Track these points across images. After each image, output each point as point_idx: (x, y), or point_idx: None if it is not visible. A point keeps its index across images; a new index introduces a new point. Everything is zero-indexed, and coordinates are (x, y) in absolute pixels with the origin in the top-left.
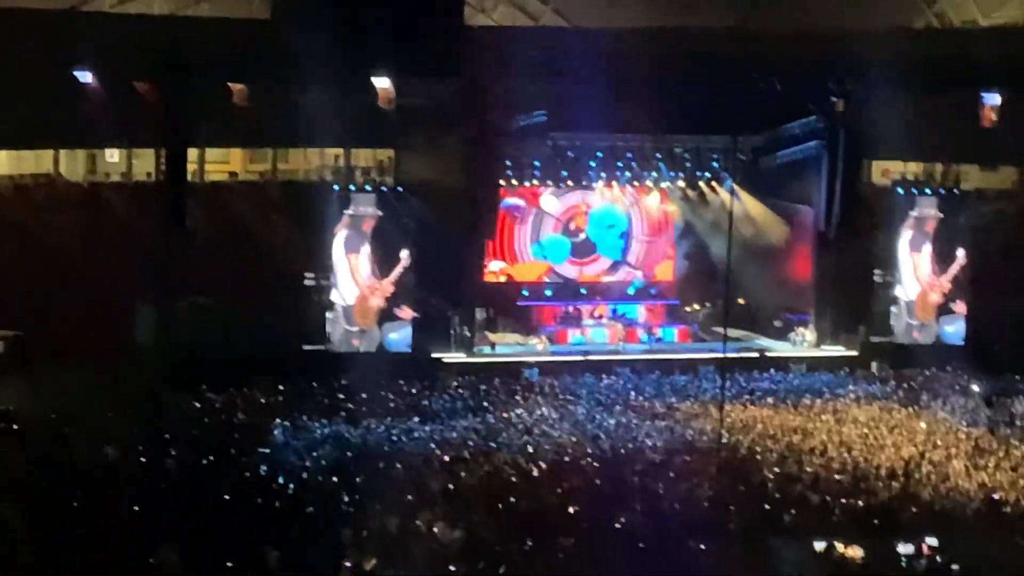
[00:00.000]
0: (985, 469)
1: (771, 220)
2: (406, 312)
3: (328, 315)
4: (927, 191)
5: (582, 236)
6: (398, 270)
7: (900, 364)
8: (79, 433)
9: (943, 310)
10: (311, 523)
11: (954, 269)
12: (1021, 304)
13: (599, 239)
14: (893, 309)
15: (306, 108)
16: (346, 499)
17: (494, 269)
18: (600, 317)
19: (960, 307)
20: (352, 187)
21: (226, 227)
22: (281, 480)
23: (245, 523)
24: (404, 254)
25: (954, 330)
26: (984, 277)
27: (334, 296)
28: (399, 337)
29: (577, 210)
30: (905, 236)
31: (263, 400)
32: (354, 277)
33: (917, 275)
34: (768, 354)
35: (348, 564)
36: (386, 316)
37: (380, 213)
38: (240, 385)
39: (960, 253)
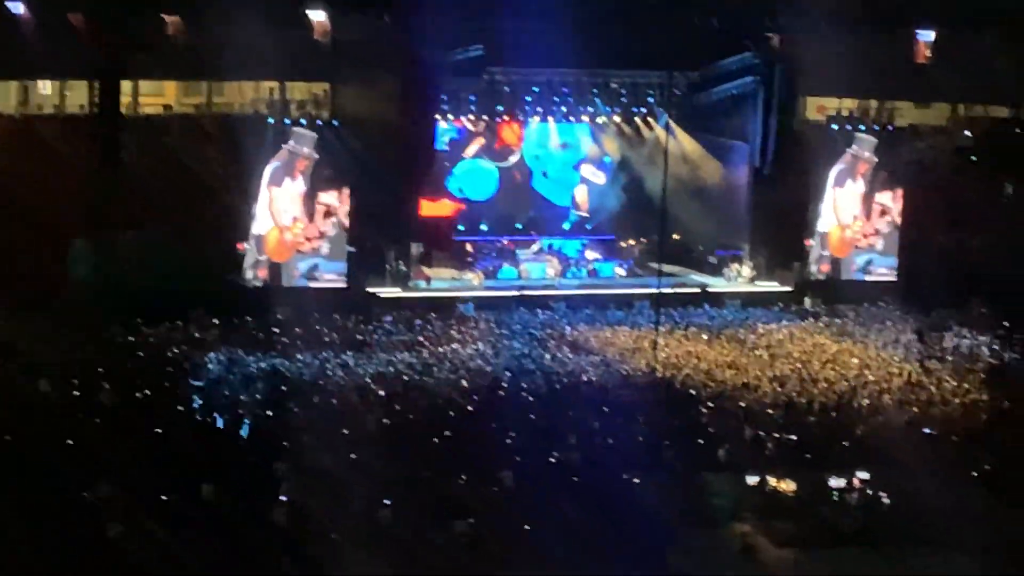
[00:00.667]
0: (916, 403)
1: (704, 157)
2: (330, 244)
3: (247, 247)
4: (862, 128)
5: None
6: (325, 208)
7: (834, 300)
8: (12, 367)
9: (872, 247)
10: (246, 457)
11: (884, 206)
12: (953, 239)
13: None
14: (811, 243)
15: (241, 41)
16: (281, 433)
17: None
18: (538, 252)
19: (889, 244)
20: (287, 121)
21: (161, 160)
22: (215, 414)
23: (180, 457)
24: (336, 195)
25: (882, 266)
26: (917, 213)
27: (253, 228)
28: (324, 270)
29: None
30: (834, 171)
31: (197, 334)
32: (271, 210)
33: (836, 210)
34: (705, 290)
35: (283, 498)
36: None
37: (316, 156)
38: (175, 319)
39: (889, 191)
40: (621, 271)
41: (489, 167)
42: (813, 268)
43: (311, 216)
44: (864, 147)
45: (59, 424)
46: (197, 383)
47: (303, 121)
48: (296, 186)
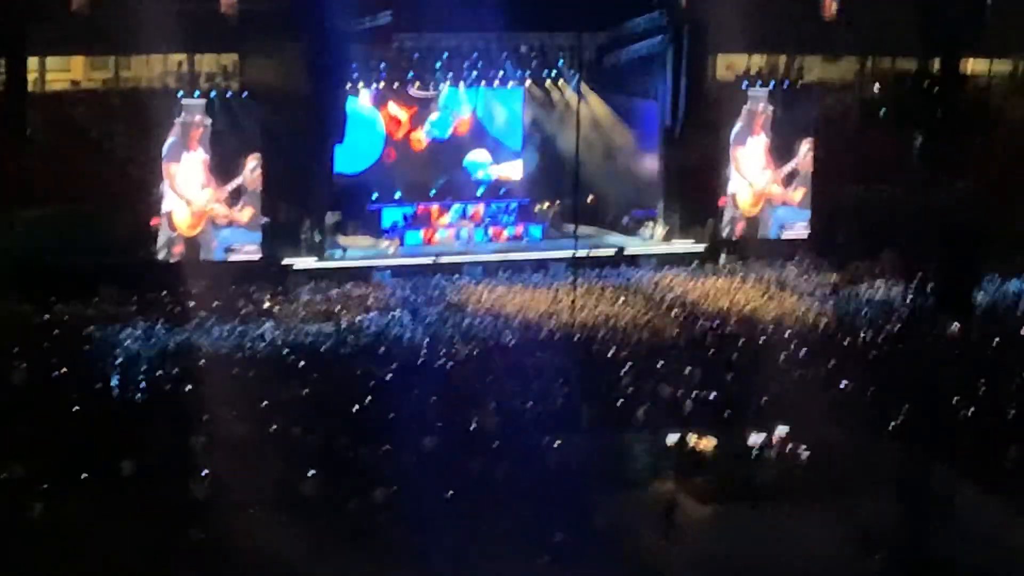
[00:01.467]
0: (832, 357)
1: (616, 118)
2: (243, 217)
3: (156, 223)
4: (771, 84)
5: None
6: (235, 181)
7: (747, 257)
8: None
9: (785, 203)
10: (165, 433)
11: (792, 162)
12: (862, 194)
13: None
14: (725, 200)
15: (147, 14)
16: (198, 408)
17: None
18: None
19: (801, 200)
20: (196, 94)
21: (68, 136)
22: (132, 390)
23: (98, 435)
24: (246, 164)
25: (794, 222)
26: (828, 168)
27: (165, 204)
28: (235, 242)
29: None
30: (733, 130)
31: (109, 310)
32: (172, 185)
33: (740, 168)
34: (621, 251)
35: (203, 473)
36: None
37: (209, 120)
38: (86, 295)
39: (798, 146)
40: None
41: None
42: (727, 228)
43: (219, 185)
44: (758, 102)
45: None
46: (113, 360)
47: (197, 94)
48: (196, 156)
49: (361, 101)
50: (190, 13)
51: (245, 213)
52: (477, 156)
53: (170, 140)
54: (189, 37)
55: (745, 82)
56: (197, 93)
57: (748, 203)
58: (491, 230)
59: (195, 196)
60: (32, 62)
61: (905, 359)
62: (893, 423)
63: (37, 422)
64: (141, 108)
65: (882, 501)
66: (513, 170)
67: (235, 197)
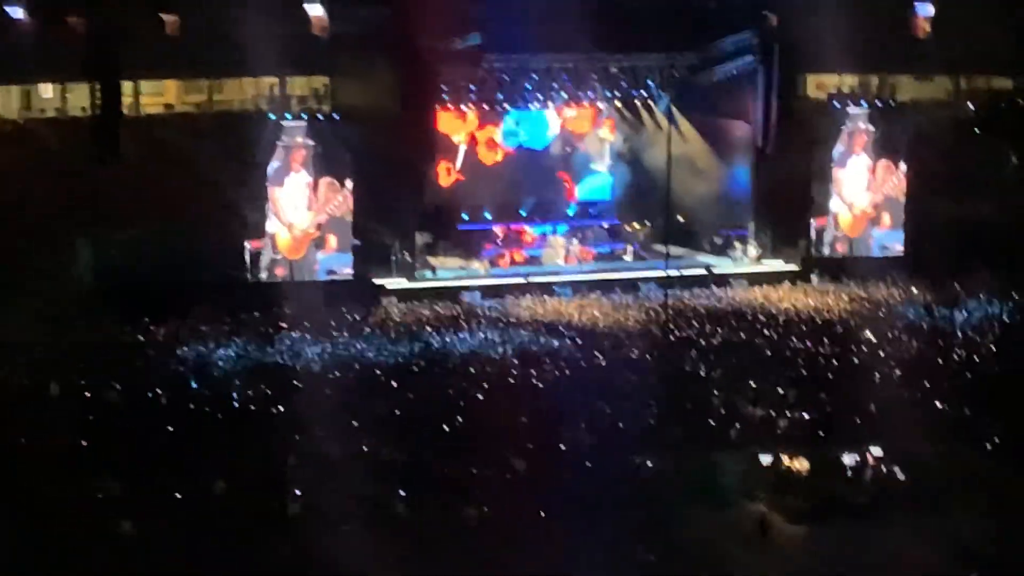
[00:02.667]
0: (927, 375)
1: (706, 138)
2: (339, 240)
3: (258, 246)
4: (863, 103)
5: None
6: (330, 204)
7: (840, 277)
8: (20, 367)
9: (879, 223)
10: (257, 451)
11: (888, 182)
12: (957, 213)
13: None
14: (825, 221)
15: (240, 37)
16: (290, 426)
17: None
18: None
19: (895, 219)
20: (288, 116)
21: (163, 159)
22: (224, 409)
23: (191, 453)
24: (338, 185)
25: (889, 241)
26: (921, 187)
27: (267, 227)
28: (332, 264)
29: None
30: (835, 152)
31: (204, 330)
32: (275, 209)
33: (840, 190)
34: (711, 270)
35: (297, 492)
36: (321, 245)
37: (311, 143)
38: (181, 316)
39: (894, 165)
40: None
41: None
42: (826, 248)
43: (319, 208)
44: (858, 122)
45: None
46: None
47: (304, 116)
48: (299, 179)
49: (452, 121)
50: (282, 36)
51: (339, 238)
52: (567, 176)
53: (273, 164)
54: (281, 59)
55: (836, 101)
56: (289, 116)
57: (848, 223)
58: (581, 250)
59: (298, 219)
60: (126, 86)
61: (1001, 377)
62: (990, 441)
63: (131, 441)
64: (235, 130)
65: (979, 519)
66: (602, 190)
67: (330, 217)
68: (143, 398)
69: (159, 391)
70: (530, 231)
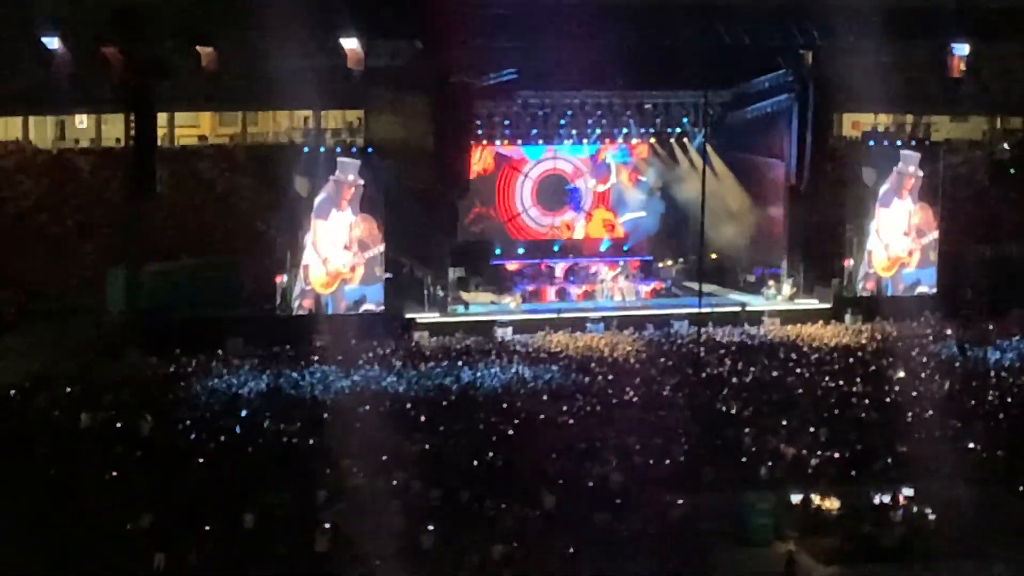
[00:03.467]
0: (960, 415)
1: (740, 176)
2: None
3: (292, 278)
4: (898, 143)
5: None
6: (378, 247)
7: (873, 316)
8: (51, 397)
9: (912, 262)
10: (287, 484)
11: (922, 221)
12: (991, 252)
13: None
14: (849, 262)
15: (275, 71)
16: (320, 460)
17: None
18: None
19: (929, 258)
20: (322, 149)
21: (196, 191)
22: (255, 441)
23: (221, 485)
24: (374, 222)
25: (922, 280)
26: (956, 227)
27: (304, 258)
28: (363, 298)
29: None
30: (880, 190)
31: (236, 363)
32: (316, 242)
33: (880, 230)
34: (745, 308)
35: (326, 525)
36: (356, 279)
37: (362, 181)
38: (213, 347)
39: (928, 205)
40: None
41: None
42: (859, 286)
43: (356, 244)
44: (909, 163)
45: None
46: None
47: (338, 149)
48: (344, 216)
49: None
50: (317, 69)
51: (371, 268)
52: (600, 212)
53: (321, 196)
54: (316, 93)
55: (871, 140)
56: (322, 148)
57: (882, 262)
58: (614, 286)
59: (335, 255)
60: (161, 118)
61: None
62: (1022, 484)
63: (162, 472)
64: (271, 162)
65: (1010, 563)
66: (635, 226)
67: (366, 252)
68: (173, 429)
69: (188, 423)
70: (563, 267)
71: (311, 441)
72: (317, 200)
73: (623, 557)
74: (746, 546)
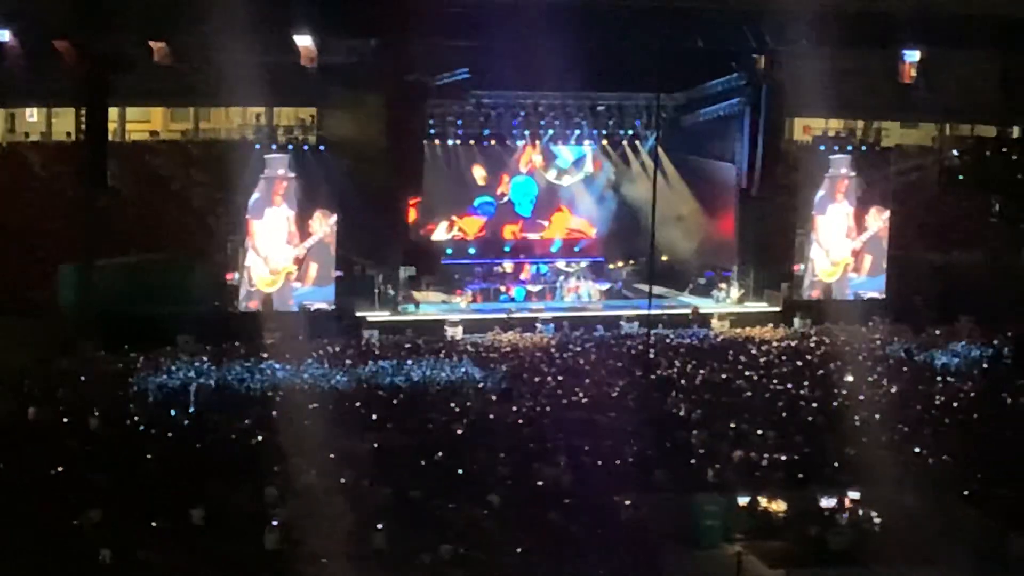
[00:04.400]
0: (906, 421)
1: (692, 178)
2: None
3: (237, 276)
4: (848, 148)
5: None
6: (314, 238)
7: (822, 319)
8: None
9: (860, 267)
10: (236, 481)
11: (870, 227)
12: (939, 259)
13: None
14: (799, 268)
15: (228, 66)
16: (270, 457)
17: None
18: (523, 279)
19: (877, 264)
20: (274, 146)
21: (147, 186)
22: (203, 439)
23: (169, 482)
24: (324, 219)
25: (870, 286)
26: (904, 233)
27: (246, 259)
28: (310, 297)
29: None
30: (816, 197)
31: (186, 359)
32: (255, 242)
33: (819, 236)
34: (696, 311)
35: (274, 523)
36: (302, 277)
37: (292, 175)
38: (163, 343)
39: (877, 211)
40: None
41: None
42: (807, 291)
43: (299, 240)
44: (840, 167)
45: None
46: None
47: (290, 146)
48: (280, 212)
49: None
50: (270, 66)
51: (320, 269)
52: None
53: (254, 196)
54: (269, 90)
55: (822, 145)
56: (275, 146)
57: (826, 270)
58: (564, 287)
59: (275, 253)
60: (112, 112)
61: (981, 424)
62: (968, 489)
63: (110, 468)
64: (220, 159)
65: (956, 569)
66: (585, 227)
67: (311, 250)
68: (121, 426)
69: (137, 418)
70: (513, 267)
71: (259, 438)
72: (251, 200)
73: (568, 558)
74: (693, 548)
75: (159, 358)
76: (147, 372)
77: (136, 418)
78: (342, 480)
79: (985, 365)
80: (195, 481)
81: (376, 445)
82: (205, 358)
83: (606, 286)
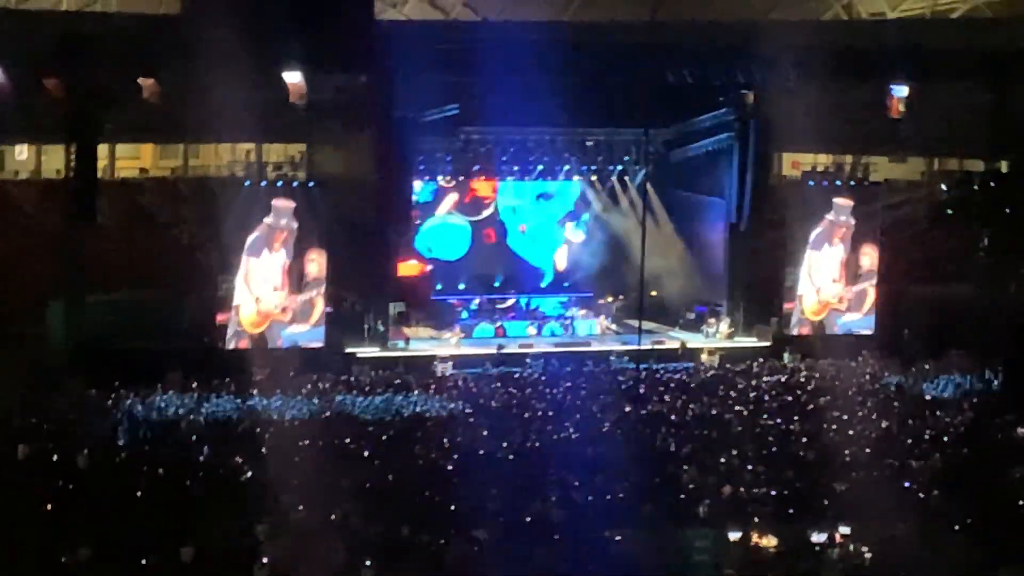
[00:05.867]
0: (897, 455)
1: (681, 214)
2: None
3: (223, 319)
4: (837, 183)
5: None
6: (310, 292)
7: (812, 355)
8: None
9: (850, 302)
10: (225, 520)
11: (859, 262)
12: (929, 294)
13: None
14: (792, 306)
15: (217, 103)
16: (260, 496)
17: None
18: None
19: (866, 298)
20: (264, 183)
21: (137, 224)
22: (194, 477)
23: (159, 521)
24: (314, 257)
25: (860, 321)
26: (895, 269)
27: (236, 297)
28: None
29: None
30: (812, 234)
31: (174, 396)
32: (247, 282)
33: (812, 275)
34: (685, 346)
35: (264, 560)
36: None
37: (295, 225)
38: (151, 381)
39: (867, 247)
40: (605, 323)
41: (461, 223)
42: (796, 328)
43: (291, 284)
44: (841, 212)
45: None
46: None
47: (279, 183)
48: (276, 257)
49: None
50: (259, 102)
51: (311, 313)
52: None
53: (254, 236)
54: (258, 126)
55: (811, 181)
56: (264, 183)
57: (813, 309)
58: (554, 323)
59: (267, 296)
60: (101, 149)
61: (972, 459)
62: (959, 523)
63: (99, 506)
64: (210, 196)
65: None
66: (575, 263)
67: (302, 291)
68: (111, 463)
69: (125, 456)
70: (503, 302)
71: (249, 475)
72: (250, 239)
73: None
74: None
75: (147, 395)
76: (135, 408)
77: (124, 455)
78: (331, 516)
79: (975, 398)
80: (185, 518)
81: (366, 482)
82: (194, 394)
83: (601, 319)
